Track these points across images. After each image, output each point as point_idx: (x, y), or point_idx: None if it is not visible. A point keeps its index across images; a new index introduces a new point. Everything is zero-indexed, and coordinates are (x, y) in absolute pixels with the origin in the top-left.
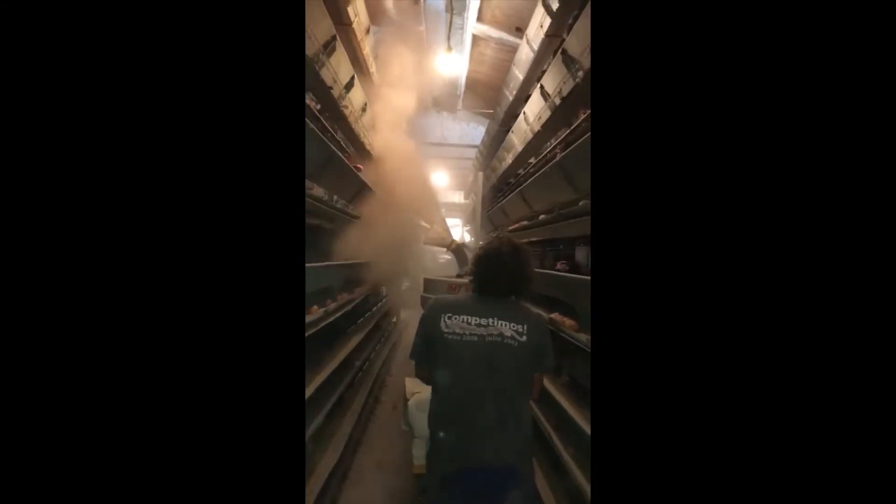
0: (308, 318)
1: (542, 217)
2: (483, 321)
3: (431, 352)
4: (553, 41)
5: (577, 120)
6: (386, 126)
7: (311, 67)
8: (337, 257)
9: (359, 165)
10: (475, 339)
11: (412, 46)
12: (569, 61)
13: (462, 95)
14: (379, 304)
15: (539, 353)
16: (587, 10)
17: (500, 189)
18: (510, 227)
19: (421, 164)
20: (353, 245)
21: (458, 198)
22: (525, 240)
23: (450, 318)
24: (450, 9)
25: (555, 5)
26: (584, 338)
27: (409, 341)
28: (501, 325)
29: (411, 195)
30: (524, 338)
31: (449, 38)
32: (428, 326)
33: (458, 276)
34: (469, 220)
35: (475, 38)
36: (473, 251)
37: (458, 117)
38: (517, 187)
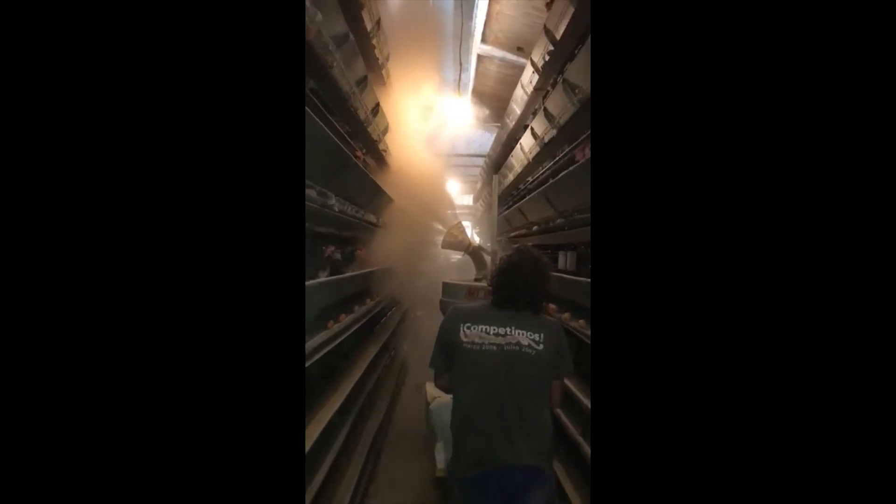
0: (327, 333)
1: (534, 228)
2: (501, 330)
3: (451, 361)
4: (555, 66)
5: (562, 152)
6: (401, 130)
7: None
8: (361, 266)
9: (362, 159)
10: (494, 348)
11: (425, 48)
12: (569, 88)
13: (467, 104)
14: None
15: (556, 359)
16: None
17: (510, 196)
18: (511, 234)
19: (436, 169)
20: (376, 253)
21: (467, 200)
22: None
23: (469, 327)
24: (458, 35)
25: (558, 34)
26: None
27: (426, 343)
28: (519, 334)
29: (428, 199)
30: (541, 346)
31: (461, 58)
32: (447, 336)
33: (476, 279)
34: (478, 223)
35: (480, 57)
36: (489, 253)
37: (461, 124)
38: (519, 200)
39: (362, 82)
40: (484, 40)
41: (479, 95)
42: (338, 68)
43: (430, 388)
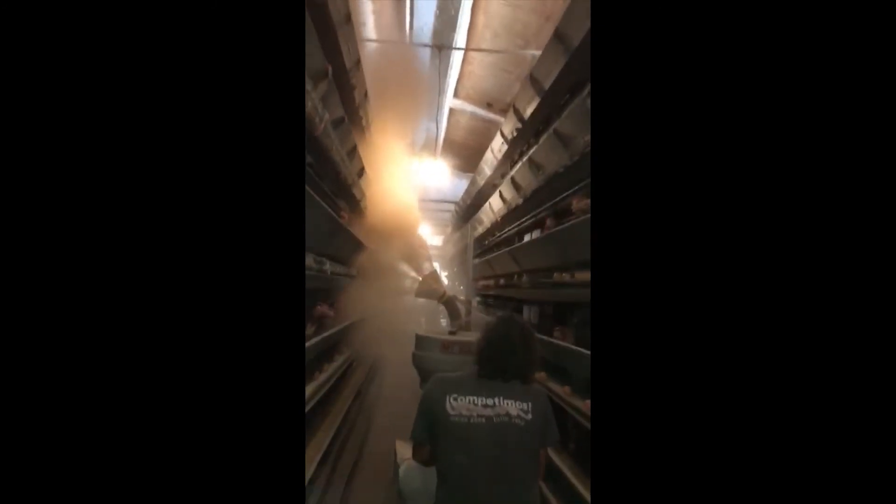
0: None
1: (501, 281)
2: (489, 401)
3: (435, 434)
4: (539, 117)
5: (528, 215)
6: (377, 174)
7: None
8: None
9: (343, 214)
10: (483, 420)
11: (404, 91)
12: (534, 167)
13: (438, 154)
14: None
15: (543, 428)
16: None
17: (481, 244)
18: (481, 282)
19: (412, 214)
20: (350, 304)
21: (436, 241)
22: (490, 293)
23: (455, 399)
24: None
25: (547, 82)
26: (579, 404)
27: (390, 393)
28: (507, 404)
29: (402, 245)
30: (529, 416)
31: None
32: (432, 407)
33: (451, 332)
34: (446, 266)
35: (451, 110)
36: (462, 302)
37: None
38: (488, 252)
39: (340, 124)
40: (456, 95)
41: (450, 144)
42: (327, 135)
43: (401, 449)
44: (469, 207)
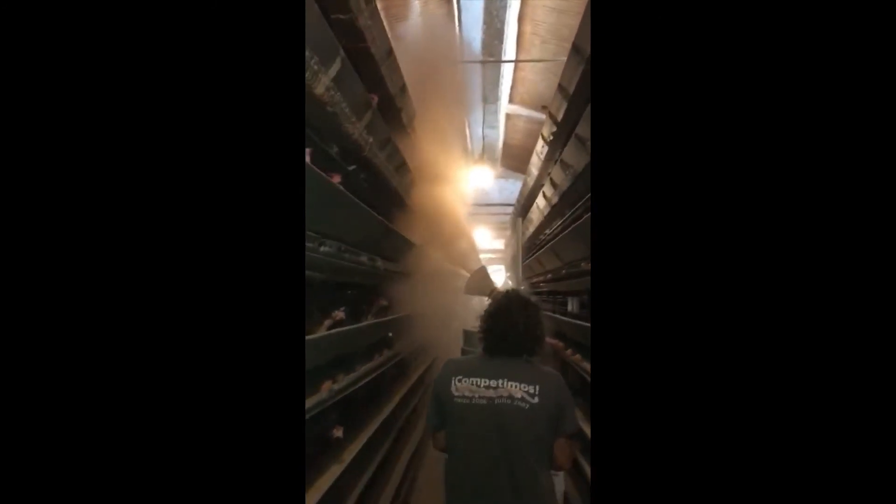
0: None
1: (549, 276)
2: (492, 383)
3: (443, 417)
4: (569, 120)
5: (570, 211)
6: (423, 176)
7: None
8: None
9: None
10: (484, 402)
11: (449, 101)
12: (581, 142)
13: (500, 158)
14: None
15: (556, 415)
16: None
17: (532, 244)
18: (532, 279)
19: (459, 213)
20: (400, 299)
21: (498, 244)
22: (543, 289)
23: (460, 380)
24: (484, 98)
25: (571, 89)
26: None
27: None
28: (511, 386)
29: (451, 244)
30: (536, 399)
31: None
32: (439, 391)
33: None
34: (509, 268)
35: (508, 115)
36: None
37: (499, 175)
38: (537, 250)
39: (387, 144)
40: (511, 101)
41: (509, 148)
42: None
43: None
44: (522, 208)
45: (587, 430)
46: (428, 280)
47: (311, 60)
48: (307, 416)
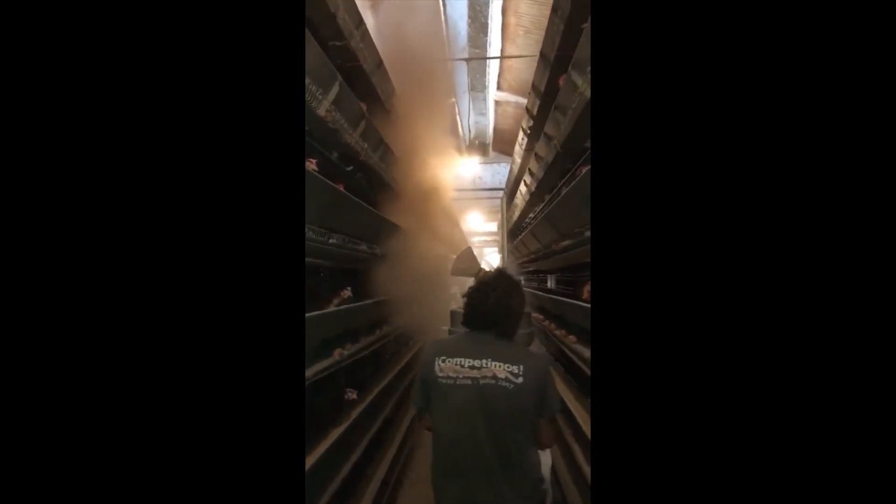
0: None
1: (531, 256)
2: (476, 363)
3: (428, 398)
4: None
5: (543, 200)
6: (406, 158)
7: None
8: (365, 297)
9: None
10: (468, 382)
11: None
12: (547, 139)
13: (491, 143)
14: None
15: (540, 395)
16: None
17: (518, 226)
18: (520, 260)
19: (444, 195)
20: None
21: (491, 227)
22: (529, 269)
23: (444, 361)
24: (471, 87)
25: (542, 88)
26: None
27: None
28: (495, 366)
29: (435, 225)
30: (520, 379)
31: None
32: (424, 372)
33: None
34: (501, 250)
35: (497, 102)
36: None
37: (490, 160)
38: (519, 234)
39: (379, 145)
40: (499, 88)
41: (500, 133)
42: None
43: None
44: (509, 193)
45: (569, 405)
46: (419, 263)
47: (313, 87)
48: (324, 375)
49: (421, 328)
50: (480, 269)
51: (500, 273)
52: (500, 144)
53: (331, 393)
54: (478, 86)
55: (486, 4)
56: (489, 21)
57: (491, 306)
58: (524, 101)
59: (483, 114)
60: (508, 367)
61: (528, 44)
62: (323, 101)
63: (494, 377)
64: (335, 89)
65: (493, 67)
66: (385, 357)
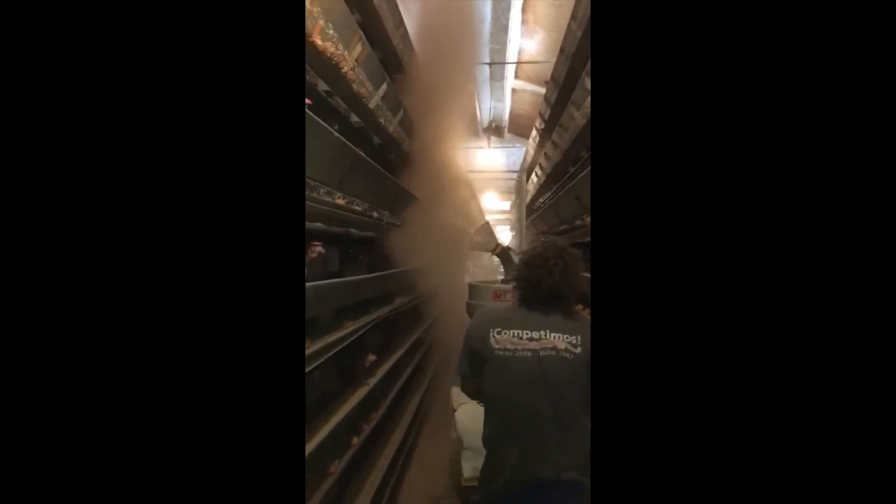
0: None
1: (548, 232)
2: (535, 334)
3: (481, 369)
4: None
5: (557, 183)
6: (425, 130)
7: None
8: (381, 267)
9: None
10: (528, 354)
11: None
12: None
13: (507, 127)
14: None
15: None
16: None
17: (533, 208)
18: (538, 235)
19: (462, 169)
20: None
21: (505, 206)
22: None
23: (499, 332)
24: (490, 76)
25: (571, 50)
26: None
27: (449, 346)
28: (554, 337)
29: (453, 198)
30: (579, 349)
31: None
32: (475, 343)
33: (504, 280)
34: (514, 227)
35: (514, 90)
36: (517, 254)
37: (505, 142)
38: (539, 210)
39: (398, 110)
40: (517, 77)
41: (516, 118)
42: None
43: (456, 394)
44: (526, 173)
45: None
46: (441, 235)
47: (370, 86)
48: (358, 327)
49: (440, 298)
50: (499, 245)
51: (553, 244)
52: (515, 128)
53: (356, 355)
54: (496, 75)
55: (507, 9)
56: (509, 22)
57: (549, 284)
58: (540, 89)
59: (500, 101)
60: (567, 338)
61: (545, 40)
62: (375, 96)
63: (555, 348)
64: (383, 88)
65: (511, 55)
66: (404, 322)
